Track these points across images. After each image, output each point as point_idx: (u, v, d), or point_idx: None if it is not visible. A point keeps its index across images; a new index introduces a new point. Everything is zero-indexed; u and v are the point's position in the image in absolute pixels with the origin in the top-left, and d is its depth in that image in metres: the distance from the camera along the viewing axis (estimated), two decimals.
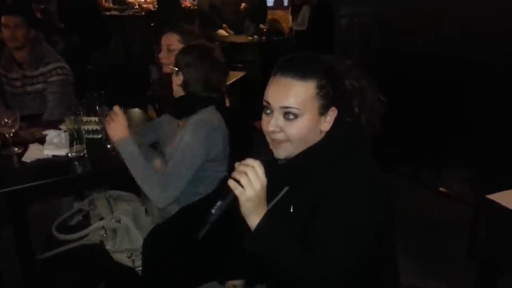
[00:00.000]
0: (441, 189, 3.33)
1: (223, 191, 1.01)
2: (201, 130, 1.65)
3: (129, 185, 2.07)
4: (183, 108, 1.76)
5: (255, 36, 5.98)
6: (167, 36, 2.18)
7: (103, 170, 1.94)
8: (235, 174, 1.01)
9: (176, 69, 1.74)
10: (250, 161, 1.02)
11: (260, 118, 1.22)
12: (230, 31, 6.75)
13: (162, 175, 1.61)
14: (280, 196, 1.19)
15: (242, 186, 1.00)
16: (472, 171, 3.19)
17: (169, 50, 2.14)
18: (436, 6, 3.53)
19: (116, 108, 1.73)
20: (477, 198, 2.47)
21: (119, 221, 1.68)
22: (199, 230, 1.00)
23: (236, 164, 1.03)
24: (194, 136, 1.63)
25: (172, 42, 2.15)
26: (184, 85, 1.73)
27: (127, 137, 1.67)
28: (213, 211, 1.00)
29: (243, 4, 7.06)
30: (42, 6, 6.25)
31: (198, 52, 1.73)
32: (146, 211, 1.76)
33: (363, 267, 1.08)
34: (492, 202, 1.66)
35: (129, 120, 2.44)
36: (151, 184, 1.60)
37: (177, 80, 1.75)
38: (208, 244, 1.56)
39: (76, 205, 1.87)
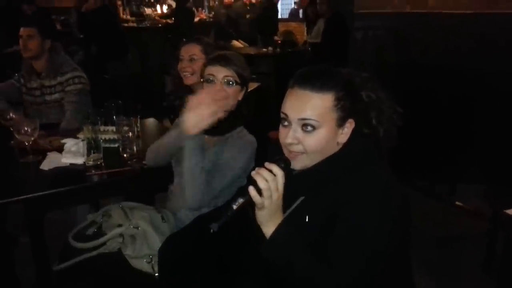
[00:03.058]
0: (458, 203, 3.28)
1: (245, 190, 1.02)
2: (247, 151, 1.66)
3: (143, 196, 2.11)
4: (224, 126, 1.68)
5: (270, 48, 6.01)
6: (188, 47, 2.21)
7: (119, 179, 1.95)
8: (257, 179, 1.02)
9: (241, 84, 1.71)
10: (275, 168, 1.03)
11: (274, 129, 1.23)
12: (244, 43, 6.81)
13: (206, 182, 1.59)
14: (296, 205, 1.19)
15: (261, 194, 1.01)
16: (489, 185, 3.13)
17: (191, 60, 2.17)
18: (453, 19, 3.52)
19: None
20: (495, 212, 2.43)
21: (137, 228, 1.68)
22: (215, 222, 1.00)
23: (259, 169, 1.04)
24: (242, 151, 1.65)
25: (195, 52, 2.17)
26: (244, 100, 1.73)
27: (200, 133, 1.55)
28: (233, 206, 1.01)
29: (250, 15, 7.12)
30: (62, 18, 6.41)
31: (247, 64, 1.74)
32: (163, 218, 1.76)
33: (377, 279, 1.07)
34: (510, 217, 1.64)
35: (144, 130, 2.48)
36: (199, 186, 1.56)
37: (240, 95, 1.72)
38: (222, 254, 1.58)
39: (90, 217, 1.88)
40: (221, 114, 1.52)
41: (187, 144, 1.55)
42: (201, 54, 2.16)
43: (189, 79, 2.17)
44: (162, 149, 1.81)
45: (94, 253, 1.68)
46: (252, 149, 1.68)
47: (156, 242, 1.68)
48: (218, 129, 1.67)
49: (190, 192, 1.58)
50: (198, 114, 1.48)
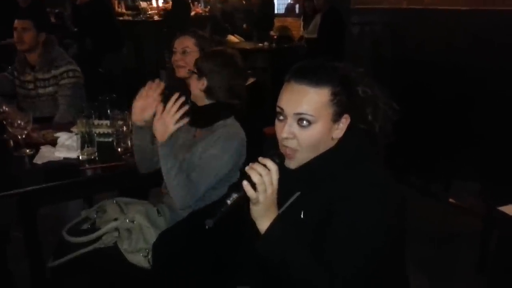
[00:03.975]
0: (452, 200, 3.30)
1: (239, 186, 1.01)
2: (231, 144, 1.67)
3: (137, 191, 2.10)
4: (206, 117, 1.76)
5: (266, 43, 6.00)
6: (181, 39, 2.21)
7: (113, 173, 1.94)
8: (251, 173, 1.01)
9: (197, 74, 1.74)
10: (268, 163, 1.03)
11: (269, 124, 1.22)
12: (240, 38, 6.79)
13: (189, 181, 1.62)
14: (291, 201, 1.19)
15: (255, 189, 1.00)
16: (483, 183, 3.15)
17: (184, 52, 2.17)
18: (448, 15, 3.52)
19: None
20: (489, 210, 2.44)
21: (133, 221, 1.68)
22: (209, 218, 0.99)
23: (253, 164, 1.03)
24: (224, 149, 1.66)
25: (188, 45, 2.17)
26: (208, 91, 1.73)
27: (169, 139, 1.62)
28: (228, 201, 1.01)
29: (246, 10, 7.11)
30: (56, 10, 6.35)
31: (222, 58, 1.75)
32: (159, 212, 1.76)
33: (371, 277, 1.07)
34: (504, 214, 1.65)
35: None
36: (179, 187, 1.60)
37: (200, 85, 1.74)
38: (217, 249, 1.58)
39: (84, 213, 1.87)
40: (185, 121, 1.58)
41: (159, 151, 1.60)
42: (194, 47, 2.16)
43: (182, 72, 2.16)
44: (139, 157, 1.81)
45: (90, 248, 1.67)
46: (237, 142, 1.69)
47: (152, 236, 1.67)
48: (204, 120, 1.73)
49: (172, 193, 1.62)
50: (163, 123, 1.57)
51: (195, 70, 1.75)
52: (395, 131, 1.20)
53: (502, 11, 3.20)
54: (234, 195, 1.01)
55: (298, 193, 1.19)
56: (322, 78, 1.10)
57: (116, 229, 1.67)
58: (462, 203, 3.22)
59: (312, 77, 1.10)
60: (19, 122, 1.99)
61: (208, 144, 1.69)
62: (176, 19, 6.35)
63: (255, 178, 1.00)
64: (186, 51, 2.17)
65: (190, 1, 7.49)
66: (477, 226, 2.52)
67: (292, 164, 1.14)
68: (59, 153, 1.98)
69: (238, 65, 1.76)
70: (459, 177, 3.38)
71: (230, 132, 1.70)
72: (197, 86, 1.75)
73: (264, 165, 1.02)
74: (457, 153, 3.40)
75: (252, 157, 1.06)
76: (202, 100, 1.77)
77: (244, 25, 7.07)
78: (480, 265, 2.46)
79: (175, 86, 2.37)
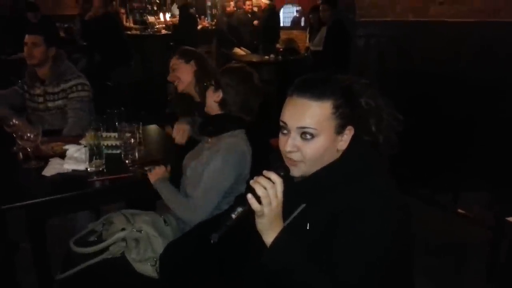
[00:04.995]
0: (460, 211, 3.27)
1: (244, 199, 1.02)
2: (231, 157, 1.71)
3: (144, 203, 2.11)
4: (214, 126, 1.82)
5: (272, 55, 6.04)
6: (171, 60, 2.45)
7: (120, 185, 1.95)
8: (255, 186, 1.02)
9: (214, 86, 1.81)
10: (273, 176, 1.03)
11: (276, 136, 1.23)
12: (247, 50, 6.84)
13: (189, 200, 1.72)
14: (296, 213, 1.19)
15: (260, 202, 1.00)
16: (491, 193, 3.12)
17: (174, 70, 2.40)
18: (454, 27, 3.53)
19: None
20: (497, 220, 2.42)
21: (140, 231, 1.70)
22: (215, 232, 1.00)
23: (257, 177, 1.04)
24: (224, 164, 1.70)
25: (174, 62, 2.41)
26: (222, 103, 1.80)
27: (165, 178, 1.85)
28: (233, 215, 1.01)
29: (255, 21, 7.21)
30: (66, 25, 6.46)
31: (238, 75, 1.81)
32: (165, 221, 1.78)
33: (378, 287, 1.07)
34: None
35: (146, 136, 2.50)
36: (182, 209, 1.74)
37: (215, 97, 1.81)
38: (223, 260, 1.58)
39: (90, 225, 1.89)
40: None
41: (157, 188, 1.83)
42: (178, 60, 2.39)
43: (180, 86, 2.38)
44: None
45: (97, 259, 1.68)
46: (237, 155, 1.72)
47: (160, 245, 1.69)
48: (212, 129, 1.82)
49: (180, 215, 1.75)
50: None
51: (213, 83, 1.82)
52: (402, 142, 1.21)
53: (508, 23, 3.21)
54: (239, 209, 1.02)
55: (303, 205, 1.20)
56: (324, 91, 1.11)
57: (124, 239, 1.69)
58: (470, 214, 3.19)
59: (314, 91, 1.11)
60: (28, 135, 2.02)
61: (211, 154, 1.74)
62: (183, 33, 6.42)
63: (259, 191, 1.01)
64: (174, 67, 2.39)
65: (196, 15, 7.57)
66: (486, 237, 2.49)
67: (295, 171, 1.14)
68: (68, 165, 2.00)
69: (254, 83, 1.82)
70: (467, 187, 3.36)
71: (230, 144, 1.73)
72: (213, 98, 1.82)
73: (269, 178, 1.03)
74: (465, 164, 3.38)
75: (258, 169, 1.07)
76: (215, 111, 1.83)
77: (255, 22, 7.16)
78: (489, 276, 2.43)
79: (176, 100, 2.47)
